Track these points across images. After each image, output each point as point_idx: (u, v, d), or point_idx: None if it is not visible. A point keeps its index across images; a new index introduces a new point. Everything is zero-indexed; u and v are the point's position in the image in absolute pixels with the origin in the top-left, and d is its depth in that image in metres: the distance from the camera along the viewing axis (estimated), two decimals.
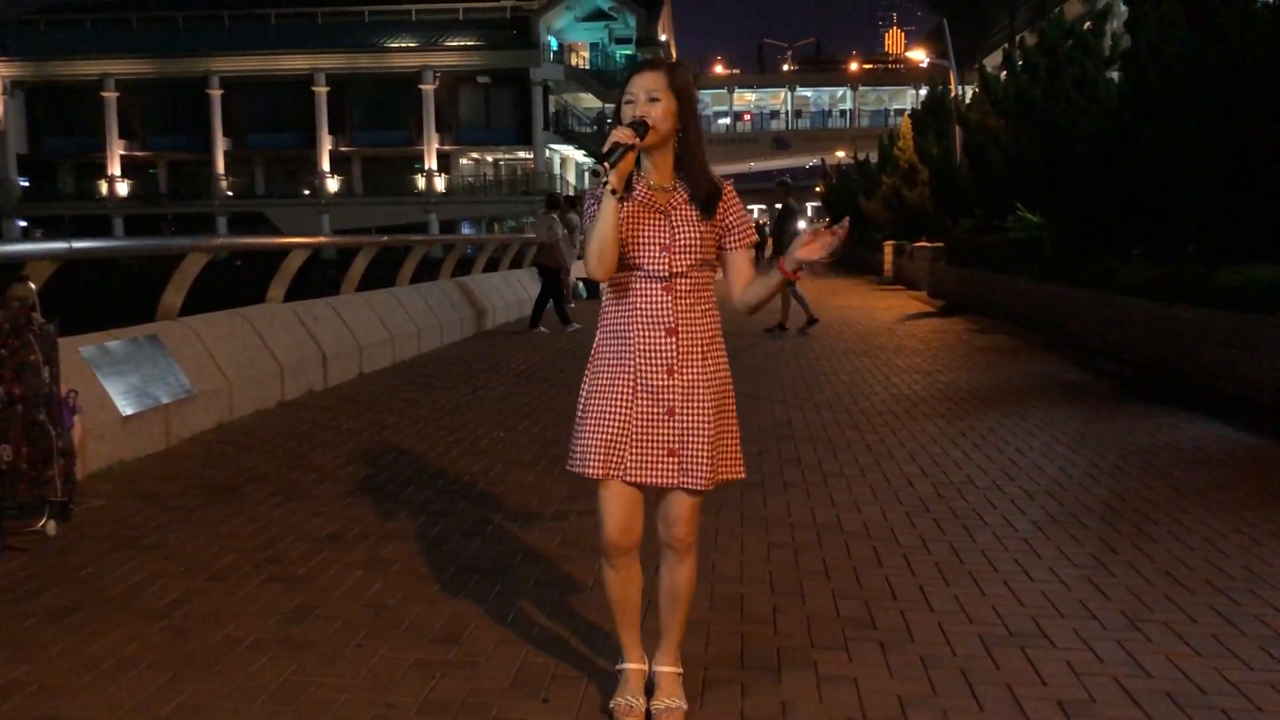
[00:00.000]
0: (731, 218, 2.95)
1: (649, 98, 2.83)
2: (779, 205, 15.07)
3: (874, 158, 38.32)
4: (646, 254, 2.85)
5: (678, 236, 2.87)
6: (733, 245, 2.96)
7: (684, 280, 2.88)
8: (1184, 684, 3.16)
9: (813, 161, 70.65)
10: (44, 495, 4.65)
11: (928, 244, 22.54)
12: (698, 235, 2.89)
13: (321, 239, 14.61)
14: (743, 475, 2.98)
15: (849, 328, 14.53)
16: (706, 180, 2.93)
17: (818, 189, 65.13)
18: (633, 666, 3.02)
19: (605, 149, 2.76)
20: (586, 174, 61.01)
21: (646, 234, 2.86)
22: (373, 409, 8.07)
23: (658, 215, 2.87)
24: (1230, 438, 6.78)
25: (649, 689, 3.01)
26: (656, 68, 2.88)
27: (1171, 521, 4.86)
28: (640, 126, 2.77)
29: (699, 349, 2.89)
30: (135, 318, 7.33)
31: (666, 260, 2.86)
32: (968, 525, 4.86)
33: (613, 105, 2.98)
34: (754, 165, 76.31)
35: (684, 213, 2.90)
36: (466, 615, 3.76)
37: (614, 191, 2.75)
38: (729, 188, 2.96)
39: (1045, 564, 4.28)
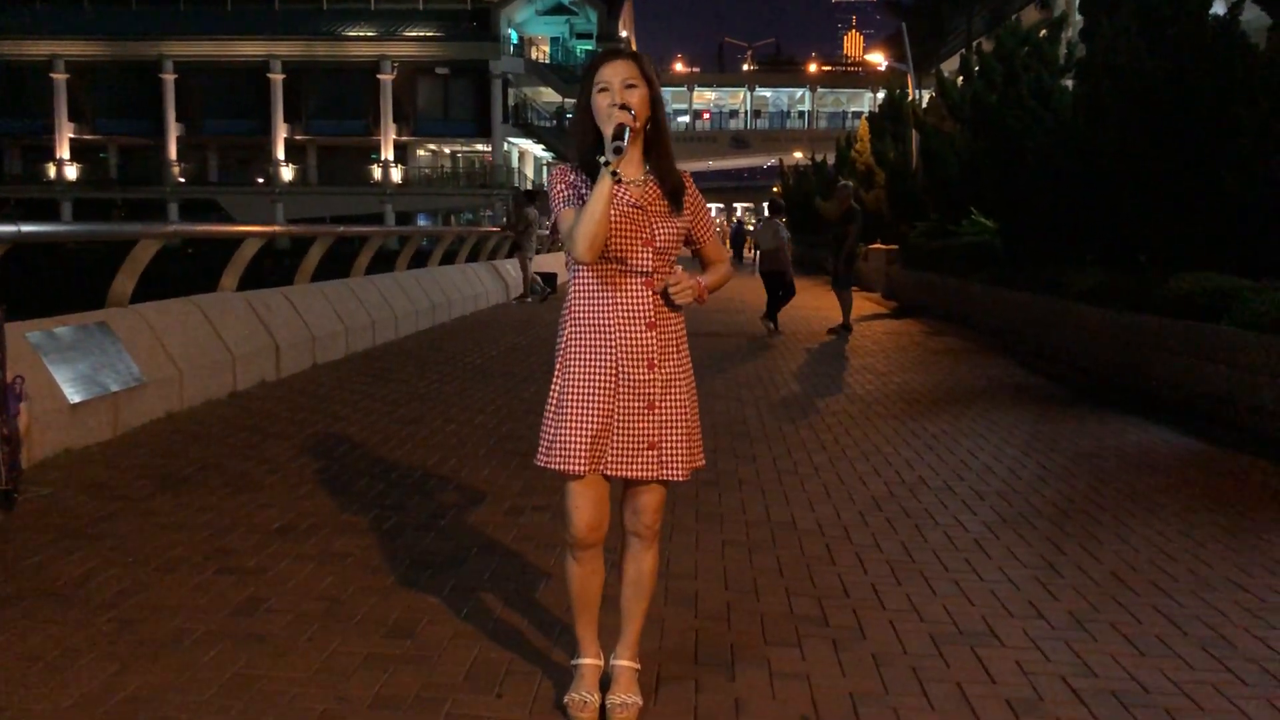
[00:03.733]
0: (699, 210, 3.01)
1: (625, 85, 2.81)
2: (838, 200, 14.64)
3: (831, 159, 38.56)
4: (629, 249, 2.84)
5: (659, 232, 2.88)
6: (704, 236, 3.03)
7: (662, 275, 2.90)
8: (1129, 683, 3.22)
9: (770, 162, 70.95)
10: None
11: (882, 246, 22.73)
12: (675, 230, 2.92)
13: (276, 228, 14.42)
14: (704, 463, 3.02)
15: (803, 327, 14.62)
16: (675, 172, 2.95)
17: (775, 189, 65.43)
18: (588, 662, 3.02)
19: (612, 131, 2.73)
20: (545, 168, 60.80)
21: (628, 229, 2.84)
22: (326, 400, 8.00)
23: (636, 210, 2.86)
24: (1177, 443, 6.91)
25: (604, 684, 3.01)
26: (627, 56, 2.88)
27: (1118, 524, 4.94)
28: (623, 123, 2.74)
29: (674, 343, 2.94)
30: (83, 304, 7.21)
31: (650, 256, 2.86)
32: (919, 525, 4.91)
33: (573, 99, 2.97)
34: (713, 164, 76.56)
35: (660, 207, 2.90)
36: (420, 609, 3.74)
37: (615, 173, 2.72)
38: (689, 179, 3.00)
39: (995, 564, 4.34)
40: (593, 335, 2.87)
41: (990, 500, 5.37)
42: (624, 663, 3.02)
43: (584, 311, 2.89)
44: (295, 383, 8.82)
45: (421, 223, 46.70)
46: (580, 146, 2.92)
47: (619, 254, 2.83)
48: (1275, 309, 7.12)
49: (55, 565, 4.10)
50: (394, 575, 4.09)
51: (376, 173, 53.36)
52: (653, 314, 2.88)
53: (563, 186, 2.89)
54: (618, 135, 2.72)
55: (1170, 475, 5.99)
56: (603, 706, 2.95)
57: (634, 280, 2.86)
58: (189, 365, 7.46)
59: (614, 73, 2.83)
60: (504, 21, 53.08)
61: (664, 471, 2.89)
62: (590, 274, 2.87)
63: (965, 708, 3.04)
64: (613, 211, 2.80)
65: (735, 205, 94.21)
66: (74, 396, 6.02)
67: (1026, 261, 13.06)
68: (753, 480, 5.75)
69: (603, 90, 2.82)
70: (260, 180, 53.39)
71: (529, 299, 13.69)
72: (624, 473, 2.88)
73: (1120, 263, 10.73)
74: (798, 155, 58.74)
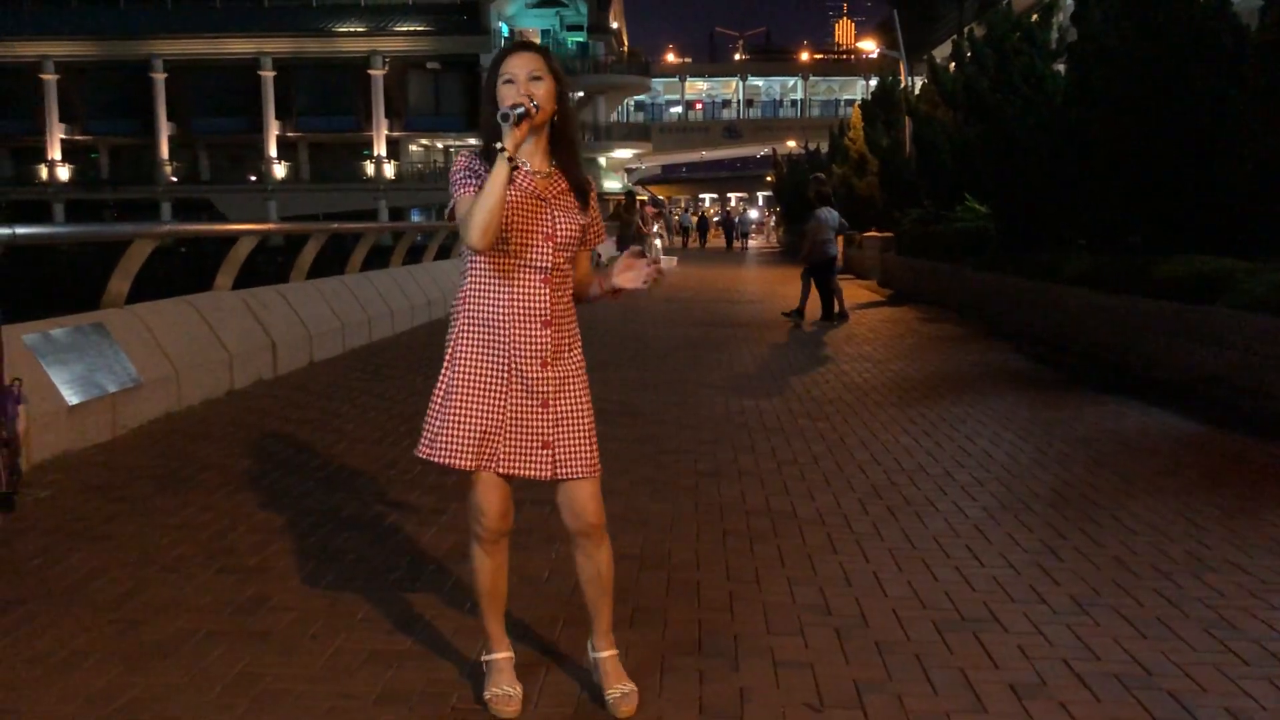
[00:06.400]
0: (595, 213, 2.96)
1: (531, 76, 2.77)
2: (812, 196, 14.64)
3: (824, 148, 38.55)
4: (528, 242, 2.80)
5: (559, 227, 2.84)
6: (589, 241, 2.97)
7: (559, 272, 2.86)
8: (1131, 666, 3.23)
9: (763, 151, 70.98)
10: None
11: (877, 234, 22.74)
12: (576, 226, 2.88)
13: (271, 225, 14.42)
14: (600, 469, 2.94)
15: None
16: (580, 168, 2.92)
17: (769, 178, 65.42)
18: (502, 656, 3.01)
19: (503, 110, 2.67)
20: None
21: (528, 222, 2.79)
22: (324, 398, 8.00)
23: (538, 202, 2.82)
24: (1173, 425, 6.93)
25: (597, 677, 3.01)
26: (532, 49, 2.84)
27: (1118, 508, 4.95)
28: (519, 111, 2.68)
29: (568, 340, 2.90)
30: (78, 306, 7.20)
31: (549, 252, 2.82)
32: (920, 512, 4.93)
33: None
34: (706, 154, 76.49)
35: (565, 202, 2.87)
36: (422, 605, 3.74)
37: (510, 159, 2.66)
38: (592, 181, 2.97)
39: (996, 550, 4.35)
40: (486, 330, 2.82)
41: (990, 486, 5.38)
42: (606, 653, 3.01)
43: (478, 305, 2.83)
44: (293, 380, 8.82)
45: (415, 218, 46.63)
46: (484, 139, 2.86)
47: (518, 246, 2.78)
48: (1273, 291, 7.13)
49: (57, 567, 4.10)
50: (396, 572, 4.09)
51: (369, 169, 53.28)
52: (549, 312, 2.83)
53: (465, 172, 2.79)
54: (506, 115, 2.65)
55: (1169, 458, 6.01)
56: (604, 701, 2.95)
57: (532, 276, 2.81)
58: (186, 365, 7.45)
59: (519, 65, 2.78)
60: (494, 15, 52.96)
61: (559, 470, 2.85)
62: (487, 265, 2.81)
63: (969, 693, 3.05)
64: (512, 200, 2.75)
65: (729, 195, 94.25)
66: (72, 398, 6.01)
67: (1020, 246, 13.08)
68: (752, 470, 5.76)
69: (508, 82, 2.78)
70: (252, 178, 53.29)
71: None
72: (519, 472, 2.84)
73: (1113, 246, 10.74)
74: (791, 144, 58.75)
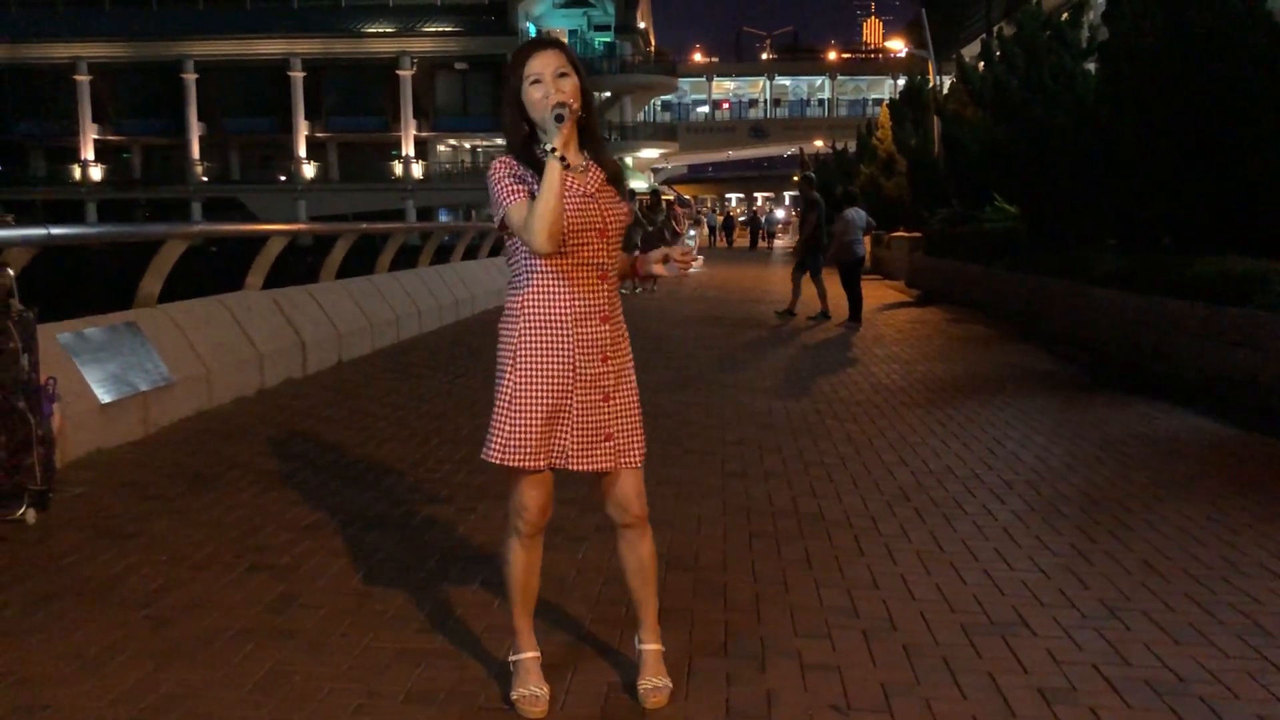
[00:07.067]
0: (626, 199, 3.01)
1: (557, 74, 2.78)
2: (799, 195, 15.18)
3: (852, 147, 38.40)
4: (582, 240, 2.81)
5: (609, 221, 2.86)
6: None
7: (611, 267, 2.90)
8: (1162, 671, 3.20)
9: (790, 151, 70.71)
10: (23, 484, 4.62)
11: (905, 234, 22.64)
12: (622, 216, 2.91)
13: (301, 225, 14.51)
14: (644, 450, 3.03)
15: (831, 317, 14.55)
16: (611, 158, 2.94)
17: (795, 178, 65.22)
18: (529, 656, 3.02)
19: (556, 111, 2.68)
20: None
21: (579, 219, 2.80)
22: (353, 397, 8.04)
23: (584, 198, 2.83)
24: (1204, 428, 6.86)
25: (636, 668, 3.04)
26: (555, 46, 2.85)
27: (1148, 511, 4.91)
28: (564, 109, 2.71)
29: (622, 333, 2.97)
30: (111, 305, 7.27)
31: (603, 246, 2.85)
32: (948, 514, 4.90)
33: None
34: (732, 154, 76.30)
35: (607, 193, 2.89)
36: (451, 604, 3.76)
37: (563, 159, 2.68)
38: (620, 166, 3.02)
39: (1025, 553, 4.33)
40: (548, 331, 2.84)
41: (1018, 489, 5.35)
42: (650, 646, 3.04)
43: (538, 306, 2.84)
44: (322, 379, 8.88)
45: (443, 218, 46.79)
46: (514, 141, 2.86)
47: (573, 245, 2.80)
48: None
49: (90, 564, 4.15)
50: (425, 570, 4.11)
51: (397, 168, 53.51)
52: (606, 307, 2.89)
53: (510, 180, 2.79)
54: (557, 108, 2.68)
55: (1199, 461, 5.95)
56: (636, 691, 2.98)
57: (589, 273, 2.85)
58: (217, 364, 7.52)
59: (544, 63, 2.78)
60: (522, 15, 53.06)
61: (621, 460, 2.91)
62: (545, 266, 2.83)
63: (998, 697, 3.04)
64: (567, 203, 2.75)
65: (756, 195, 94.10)
66: (105, 396, 6.08)
67: (1050, 247, 12.98)
68: (779, 471, 5.75)
69: (535, 82, 2.78)
70: (282, 178, 53.63)
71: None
72: (584, 466, 2.88)
73: (1144, 246, 10.64)
74: (818, 144, 58.50)
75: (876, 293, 19.52)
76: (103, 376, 6.16)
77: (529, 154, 2.80)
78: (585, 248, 2.82)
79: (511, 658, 3.06)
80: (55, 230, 5.76)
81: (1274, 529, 4.62)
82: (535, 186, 2.73)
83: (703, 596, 3.84)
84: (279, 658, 3.30)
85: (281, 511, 4.90)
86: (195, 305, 7.82)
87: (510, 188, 2.77)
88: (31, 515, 4.64)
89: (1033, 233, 13.90)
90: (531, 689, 2.95)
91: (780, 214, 71.21)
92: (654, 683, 2.98)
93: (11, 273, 4.83)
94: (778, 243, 53.00)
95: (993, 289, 14.78)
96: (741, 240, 53.96)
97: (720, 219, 55.72)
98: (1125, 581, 3.98)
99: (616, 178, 2.93)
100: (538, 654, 3.05)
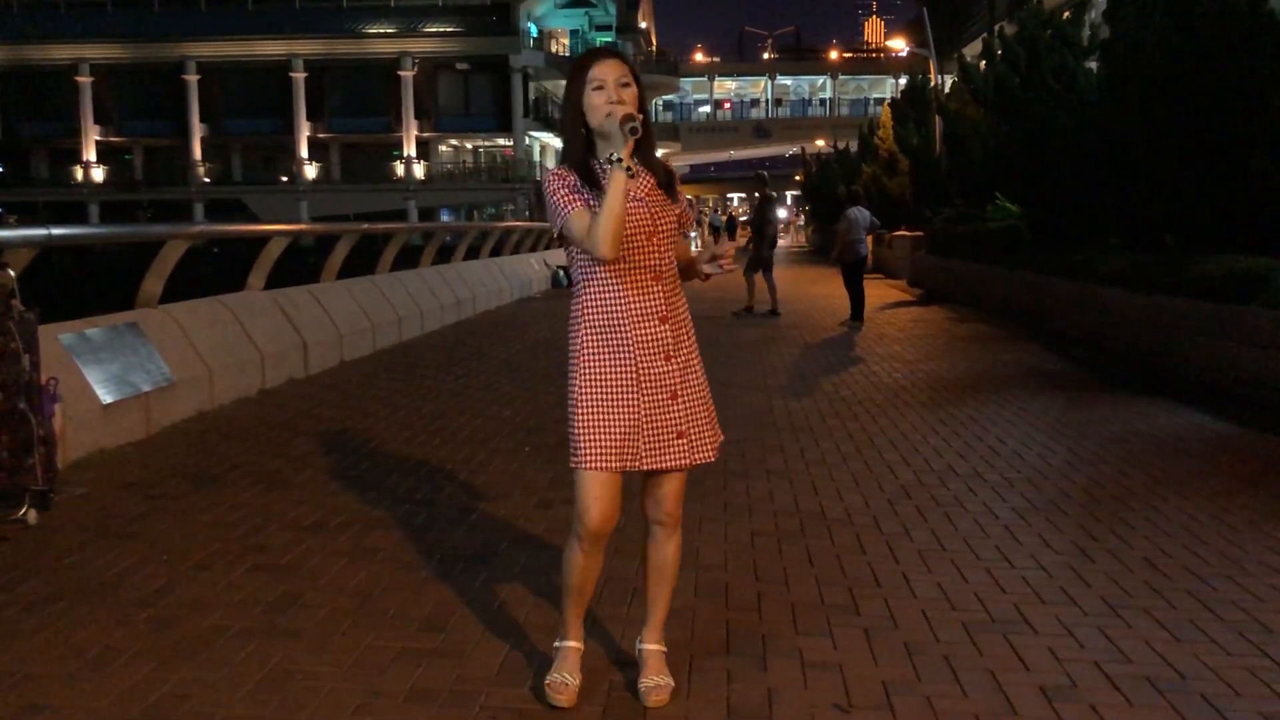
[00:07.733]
0: (682, 201, 3.04)
1: (620, 83, 2.85)
2: (757, 195, 15.50)
3: (854, 147, 38.38)
4: (636, 244, 2.87)
5: (660, 224, 2.92)
6: (685, 228, 3.08)
7: (667, 267, 2.94)
8: (1164, 669, 3.20)
9: (793, 150, 70.69)
10: (24, 484, 4.63)
11: (907, 233, 22.62)
12: (674, 220, 2.97)
13: (302, 226, 14.53)
14: (722, 436, 3.10)
15: (829, 316, 14.57)
16: (660, 164, 2.99)
17: (797, 178, 65.20)
18: (572, 644, 3.05)
19: (623, 122, 2.75)
20: None
21: (633, 224, 2.86)
22: (355, 397, 8.05)
23: (636, 203, 2.89)
24: (1207, 426, 6.85)
25: (637, 667, 3.05)
26: (616, 55, 2.93)
27: (1150, 509, 4.91)
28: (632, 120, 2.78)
29: (685, 332, 3.00)
30: (113, 306, 7.28)
31: (656, 250, 2.90)
32: (949, 512, 4.90)
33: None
34: (734, 154, 76.32)
35: (657, 198, 2.94)
36: (452, 603, 3.76)
37: (629, 169, 2.76)
38: (675, 172, 3.05)
39: (1026, 551, 4.32)
40: (608, 334, 2.89)
41: (1020, 487, 5.34)
42: (652, 646, 3.06)
43: (597, 311, 2.91)
44: (323, 380, 8.88)
45: (444, 218, 46.81)
46: (574, 146, 2.93)
47: (627, 250, 2.85)
48: None
49: (92, 564, 4.16)
50: (426, 570, 4.11)
51: (399, 169, 53.51)
52: (665, 308, 2.92)
53: (565, 190, 2.87)
54: (629, 120, 2.75)
55: (1201, 459, 5.94)
56: (637, 689, 2.99)
57: (643, 275, 2.90)
58: (218, 364, 7.52)
59: (608, 71, 2.86)
60: (523, 15, 53.04)
61: (695, 457, 2.95)
62: (603, 271, 2.88)
63: (999, 695, 3.03)
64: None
65: (758, 195, 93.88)
66: (106, 397, 6.08)
67: (1052, 246, 12.97)
68: (781, 470, 5.75)
69: (598, 88, 2.85)
70: (284, 179, 53.62)
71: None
72: (659, 465, 2.91)
73: (1147, 245, 10.63)
74: (820, 143, 58.52)
75: (879, 292, 19.51)
76: (104, 377, 6.17)
77: (587, 166, 2.88)
78: (637, 251, 2.88)
79: (555, 643, 3.09)
80: (56, 231, 5.77)
81: (1276, 527, 4.61)
82: (589, 195, 2.83)
83: (704, 595, 3.84)
84: (280, 657, 3.30)
85: (283, 511, 4.91)
86: (197, 305, 7.83)
87: (567, 198, 2.85)
88: (33, 515, 4.65)
89: (1035, 232, 13.89)
90: (565, 676, 2.98)
91: (783, 213, 71.17)
92: (655, 680, 2.99)
93: (13, 273, 4.84)
94: (780, 242, 52.96)
95: (995, 288, 14.77)
96: (744, 239, 53.94)
97: (724, 219, 55.74)
98: (1127, 579, 3.98)
99: (668, 183, 2.98)
100: (581, 645, 3.07)
